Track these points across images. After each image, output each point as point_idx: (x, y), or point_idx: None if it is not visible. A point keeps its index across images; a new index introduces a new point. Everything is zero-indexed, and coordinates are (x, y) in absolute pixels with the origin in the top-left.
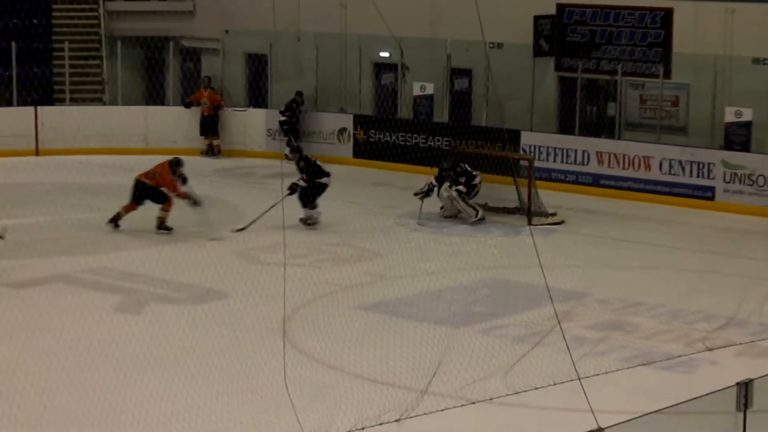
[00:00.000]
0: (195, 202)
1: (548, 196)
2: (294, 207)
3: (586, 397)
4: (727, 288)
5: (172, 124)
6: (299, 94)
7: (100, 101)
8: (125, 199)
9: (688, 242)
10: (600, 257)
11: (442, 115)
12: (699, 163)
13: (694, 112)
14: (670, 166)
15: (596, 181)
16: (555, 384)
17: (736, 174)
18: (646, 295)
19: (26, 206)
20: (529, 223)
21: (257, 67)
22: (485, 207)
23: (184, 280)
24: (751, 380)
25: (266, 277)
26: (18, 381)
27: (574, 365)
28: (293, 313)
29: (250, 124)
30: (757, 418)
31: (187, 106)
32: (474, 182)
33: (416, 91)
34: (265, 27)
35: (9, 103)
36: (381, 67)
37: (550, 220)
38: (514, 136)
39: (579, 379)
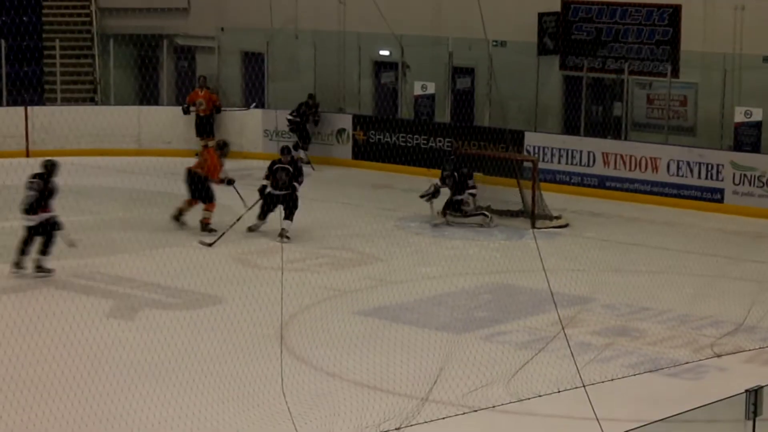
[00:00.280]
0: (229, 181)
1: (552, 198)
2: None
3: (591, 405)
4: (735, 293)
5: (166, 124)
6: (311, 96)
7: (92, 101)
8: (118, 201)
9: (696, 246)
10: (605, 261)
11: (443, 115)
12: (707, 165)
13: (703, 112)
14: (678, 168)
15: (602, 183)
16: (559, 391)
17: (745, 175)
18: (652, 300)
19: (16, 209)
20: (533, 227)
21: (254, 65)
22: (488, 209)
23: (178, 285)
24: (761, 387)
25: (263, 281)
26: (9, 388)
27: (578, 372)
28: (291, 318)
29: (247, 125)
30: (767, 427)
31: (186, 111)
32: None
33: (417, 91)
34: (261, 24)
35: None
36: (381, 65)
37: (555, 223)
38: (517, 137)
39: (584, 386)
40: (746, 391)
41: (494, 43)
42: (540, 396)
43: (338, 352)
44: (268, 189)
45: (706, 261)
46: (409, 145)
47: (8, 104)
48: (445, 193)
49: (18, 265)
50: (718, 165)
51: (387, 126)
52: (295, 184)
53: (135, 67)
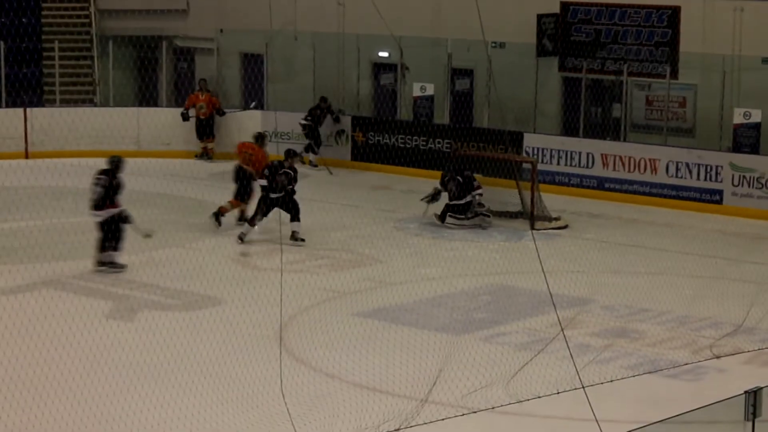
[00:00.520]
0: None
1: (551, 199)
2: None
3: (591, 407)
4: (735, 294)
5: (165, 125)
6: (323, 99)
7: (91, 102)
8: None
9: (695, 247)
10: (605, 262)
11: (442, 116)
12: (706, 166)
13: (702, 114)
14: (677, 169)
15: (601, 184)
16: (558, 393)
17: (744, 177)
18: (652, 301)
19: (15, 210)
20: (532, 228)
21: (253, 67)
22: (487, 210)
23: (177, 286)
24: (760, 389)
25: (262, 283)
26: (8, 389)
27: (578, 373)
28: (290, 320)
29: (246, 127)
30: (766, 428)
31: (186, 118)
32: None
33: (416, 92)
34: (260, 26)
35: None
36: (380, 67)
37: (554, 224)
38: (516, 138)
39: (583, 387)
40: (745, 392)
41: (493, 45)
42: (539, 397)
43: (337, 353)
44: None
45: (705, 262)
46: (408, 146)
47: (7, 106)
48: (444, 196)
49: (100, 263)
50: (717, 166)
51: (386, 127)
52: (291, 187)
53: (134, 69)
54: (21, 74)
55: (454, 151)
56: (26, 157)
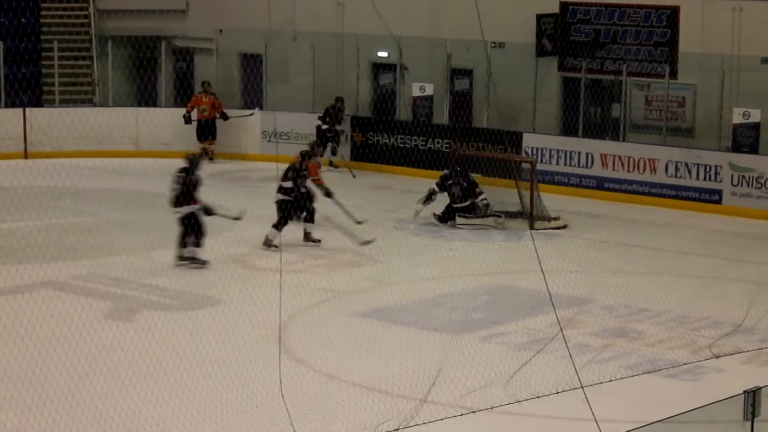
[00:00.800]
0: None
1: (551, 199)
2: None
3: (590, 406)
4: (734, 294)
5: (164, 126)
6: (339, 99)
7: (90, 102)
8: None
9: (695, 247)
10: (604, 262)
11: (441, 116)
12: (706, 166)
13: (701, 113)
14: (676, 169)
15: (600, 184)
16: (558, 392)
17: (743, 177)
18: (651, 301)
19: (14, 210)
20: (531, 228)
21: (252, 67)
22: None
23: (176, 286)
24: (759, 388)
25: (261, 283)
26: (8, 389)
27: (577, 373)
28: (289, 320)
29: (246, 127)
30: (765, 428)
31: (188, 121)
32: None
33: (415, 92)
34: (259, 26)
35: None
36: (379, 67)
37: (553, 224)
38: (515, 138)
39: (582, 387)
40: (744, 392)
41: (492, 45)
42: (538, 397)
43: (337, 353)
44: (280, 197)
45: (704, 262)
46: (407, 146)
47: (6, 106)
48: (442, 198)
49: (181, 257)
50: (716, 166)
51: (385, 127)
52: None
53: (133, 69)
54: (20, 74)
55: (453, 151)
56: (25, 157)
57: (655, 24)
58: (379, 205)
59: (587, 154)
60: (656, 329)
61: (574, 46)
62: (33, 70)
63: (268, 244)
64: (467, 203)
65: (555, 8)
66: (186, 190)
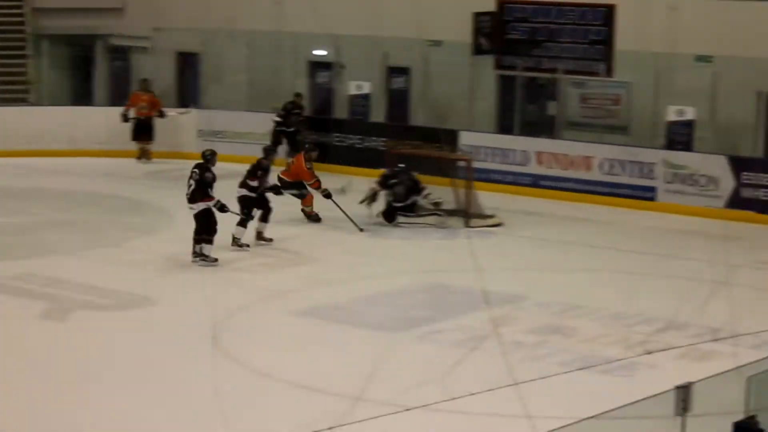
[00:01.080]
0: (327, 195)
1: (487, 197)
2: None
3: (524, 403)
4: (667, 290)
5: (100, 125)
6: (298, 95)
7: (25, 101)
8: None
9: (629, 244)
10: (539, 260)
11: (379, 114)
12: (640, 163)
13: (636, 111)
14: (611, 166)
15: (536, 182)
16: (492, 390)
17: (678, 174)
18: (585, 298)
19: None
20: (468, 226)
21: (189, 66)
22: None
23: (112, 286)
24: (690, 384)
25: (197, 282)
26: None
27: (512, 370)
28: (225, 319)
29: (182, 125)
30: (696, 422)
31: (126, 119)
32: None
33: (352, 90)
34: (197, 24)
35: None
36: (316, 65)
37: (489, 222)
38: (452, 136)
39: (517, 384)
40: (676, 387)
41: (429, 43)
42: (473, 394)
43: (272, 352)
44: (244, 192)
45: (638, 259)
46: (344, 144)
47: None
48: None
49: (194, 254)
50: (650, 163)
51: (322, 125)
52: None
53: (69, 68)
54: None
55: (389, 149)
56: None
57: (591, 22)
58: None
59: (523, 152)
60: (590, 326)
61: (510, 44)
62: None
63: (238, 244)
64: (409, 202)
65: (492, 6)
66: (201, 186)
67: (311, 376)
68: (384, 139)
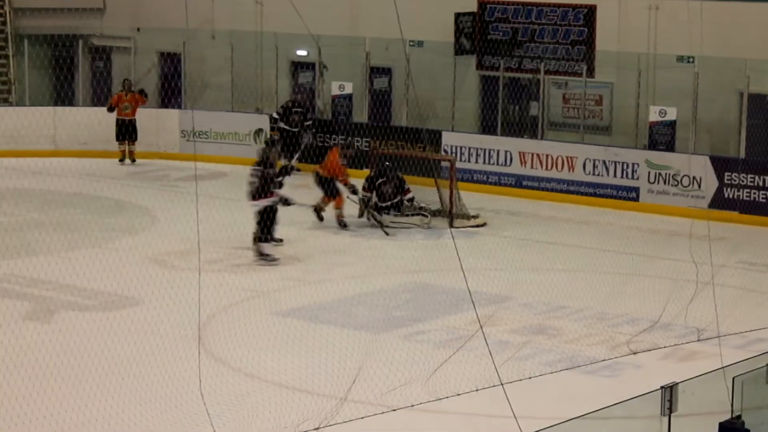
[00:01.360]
0: (353, 191)
1: (470, 197)
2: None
3: (509, 403)
4: (651, 290)
5: (82, 125)
6: (300, 94)
7: (6, 102)
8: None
9: (613, 244)
10: (523, 260)
11: (361, 115)
12: (623, 164)
13: (618, 111)
14: (594, 167)
15: (519, 182)
16: (477, 390)
17: (660, 174)
18: (569, 298)
19: None
20: (451, 226)
21: (170, 66)
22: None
23: (95, 287)
24: (676, 384)
25: (181, 283)
26: None
27: (497, 370)
28: (209, 319)
29: (164, 126)
30: (682, 423)
31: (111, 109)
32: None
33: (335, 91)
34: (178, 25)
35: None
36: (298, 66)
37: (473, 222)
38: (435, 137)
39: (502, 384)
40: (661, 387)
41: (411, 44)
42: (458, 395)
43: (257, 352)
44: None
45: (622, 259)
46: (326, 145)
47: None
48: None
49: (260, 254)
50: (633, 164)
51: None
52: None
53: (50, 68)
54: None
55: (372, 149)
56: None
57: (572, 23)
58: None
59: (506, 153)
60: (575, 326)
61: (492, 44)
62: None
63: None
64: (395, 200)
65: (473, 7)
66: (263, 183)
67: (297, 377)
68: (367, 140)
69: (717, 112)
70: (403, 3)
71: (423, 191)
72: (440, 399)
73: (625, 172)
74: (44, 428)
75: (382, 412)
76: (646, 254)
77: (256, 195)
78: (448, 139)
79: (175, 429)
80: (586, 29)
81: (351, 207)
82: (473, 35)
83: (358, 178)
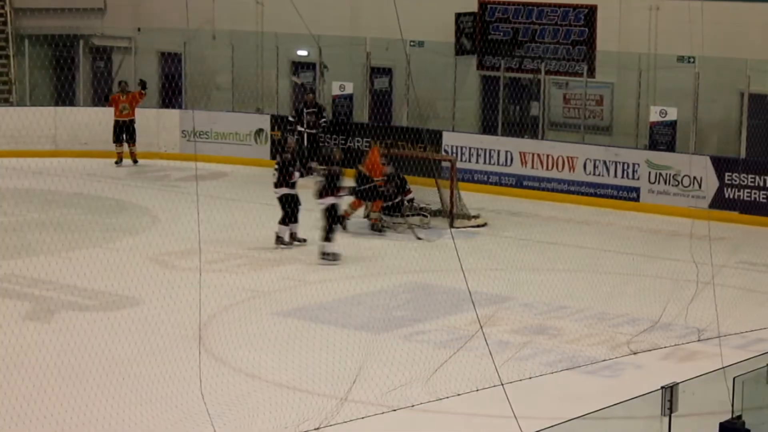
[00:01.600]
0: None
1: (471, 197)
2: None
3: (510, 403)
4: (652, 290)
5: (83, 125)
6: (310, 94)
7: (7, 102)
8: (34, 202)
9: (613, 244)
10: (523, 260)
11: (362, 115)
12: (624, 164)
13: (619, 112)
14: (595, 167)
15: (519, 183)
16: (478, 390)
17: (661, 174)
18: (570, 298)
19: None
20: (452, 226)
21: (171, 66)
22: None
23: (96, 287)
24: (676, 384)
25: (181, 283)
26: None
27: (497, 370)
28: (209, 320)
29: (165, 126)
30: (682, 423)
31: (106, 99)
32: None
33: (335, 91)
34: (179, 25)
35: None
36: (299, 66)
37: (473, 222)
38: (435, 137)
39: (502, 384)
40: (662, 387)
41: (412, 44)
42: (459, 395)
43: (257, 352)
44: (285, 191)
45: (622, 259)
46: (327, 145)
47: None
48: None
49: (324, 254)
50: (634, 164)
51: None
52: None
53: (50, 68)
54: None
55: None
56: None
57: (573, 23)
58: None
59: (506, 153)
60: (575, 326)
61: (492, 44)
62: None
63: (282, 243)
64: (396, 200)
65: (474, 7)
66: (330, 181)
67: (297, 377)
68: (368, 140)
69: (717, 112)
70: (403, 3)
71: (423, 191)
72: (440, 399)
73: (625, 173)
74: (44, 428)
75: (383, 413)
76: (646, 254)
77: (322, 193)
78: (449, 139)
79: (175, 429)
80: (586, 29)
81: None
82: (474, 35)
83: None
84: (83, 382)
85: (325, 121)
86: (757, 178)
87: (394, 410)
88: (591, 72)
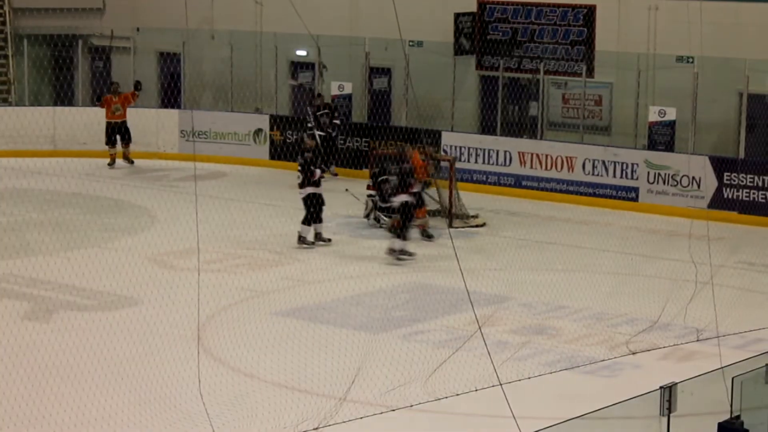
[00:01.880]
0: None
1: (469, 197)
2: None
3: (509, 403)
4: (650, 290)
5: (82, 125)
6: (319, 96)
7: (6, 102)
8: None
9: (612, 244)
10: (522, 260)
11: (360, 115)
12: (622, 164)
13: (618, 112)
14: (593, 167)
15: (518, 183)
16: (476, 390)
17: (659, 174)
18: (569, 298)
19: None
20: (450, 226)
21: (170, 66)
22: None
23: (94, 287)
24: (675, 384)
25: (180, 283)
26: None
27: (495, 371)
28: (208, 320)
29: (164, 126)
30: (681, 423)
31: (98, 99)
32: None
33: (334, 91)
34: (177, 25)
35: None
36: (298, 66)
37: (472, 222)
38: (434, 137)
39: (501, 384)
40: (661, 387)
41: (411, 44)
42: (457, 395)
43: (256, 352)
44: (310, 190)
45: (621, 259)
46: (326, 145)
47: None
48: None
49: (401, 252)
50: (632, 164)
51: (304, 126)
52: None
53: (49, 68)
54: None
55: (371, 149)
56: None
57: (571, 23)
58: (298, 204)
59: (505, 153)
60: (574, 326)
61: (491, 44)
62: None
63: (305, 243)
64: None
65: (473, 7)
66: (403, 179)
67: (296, 377)
68: (367, 140)
69: (716, 112)
70: (402, 3)
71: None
72: (439, 399)
73: (624, 172)
74: (43, 428)
75: (381, 412)
76: (645, 254)
77: (392, 193)
78: (448, 139)
79: (174, 429)
80: (585, 29)
81: (357, 206)
82: (473, 35)
83: (360, 179)
84: (82, 382)
85: (339, 121)
86: (756, 178)
87: (393, 410)
88: (590, 72)
